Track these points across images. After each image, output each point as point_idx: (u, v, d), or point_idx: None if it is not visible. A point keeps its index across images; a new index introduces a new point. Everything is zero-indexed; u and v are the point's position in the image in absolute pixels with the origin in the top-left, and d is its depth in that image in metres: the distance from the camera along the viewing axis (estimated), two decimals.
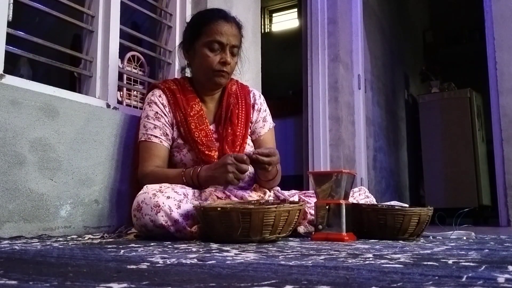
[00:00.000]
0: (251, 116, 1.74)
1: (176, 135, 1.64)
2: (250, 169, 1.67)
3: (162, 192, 1.36)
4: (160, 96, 1.65)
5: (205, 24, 1.60)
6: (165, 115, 1.63)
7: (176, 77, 2.15)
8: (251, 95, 1.78)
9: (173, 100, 1.64)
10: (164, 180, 1.48)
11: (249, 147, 1.70)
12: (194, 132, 1.60)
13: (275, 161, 1.48)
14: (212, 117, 1.70)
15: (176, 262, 0.79)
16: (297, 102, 3.67)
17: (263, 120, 1.77)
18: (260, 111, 1.77)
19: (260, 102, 1.79)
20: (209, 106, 1.71)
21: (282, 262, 0.79)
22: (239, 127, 1.67)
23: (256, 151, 1.46)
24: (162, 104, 1.63)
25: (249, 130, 1.73)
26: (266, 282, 0.58)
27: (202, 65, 1.61)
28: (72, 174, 1.56)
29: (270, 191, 1.68)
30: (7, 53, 1.48)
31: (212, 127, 1.67)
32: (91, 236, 1.44)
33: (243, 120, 1.69)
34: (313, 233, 1.40)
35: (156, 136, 1.60)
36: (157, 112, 1.62)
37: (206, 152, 1.58)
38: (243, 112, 1.70)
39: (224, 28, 1.59)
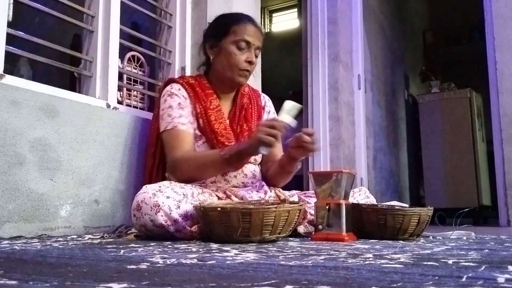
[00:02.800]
0: (262, 117, 1.81)
1: (194, 127, 1.65)
2: (255, 167, 1.69)
3: (162, 192, 1.36)
4: (179, 89, 1.67)
5: (235, 23, 1.65)
6: (187, 106, 1.65)
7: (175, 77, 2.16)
8: (261, 97, 1.87)
9: (193, 93, 1.66)
10: (198, 160, 1.53)
11: None
12: (214, 124, 1.63)
13: (312, 147, 1.51)
14: (227, 115, 1.72)
15: (176, 262, 0.79)
16: (297, 102, 3.67)
17: None
18: (269, 113, 1.86)
19: (269, 105, 1.89)
20: (223, 104, 1.73)
21: (282, 262, 0.79)
22: (253, 125, 1.73)
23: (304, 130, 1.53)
24: (183, 96, 1.66)
25: None
26: (266, 282, 0.58)
27: (229, 62, 1.65)
28: (72, 174, 1.56)
29: (270, 191, 1.69)
30: (7, 53, 1.48)
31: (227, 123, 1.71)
32: (91, 236, 1.44)
33: (255, 120, 1.76)
34: (313, 233, 1.40)
35: (183, 124, 1.61)
36: (180, 103, 1.64)
37: (226, 143, 1.61)
38: (256, 112, 1.78)
39: (252, 30, 1.66)
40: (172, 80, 1.74)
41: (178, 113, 1.62)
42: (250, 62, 1.64)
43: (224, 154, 1.49)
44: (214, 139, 1.61)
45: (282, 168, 1.66)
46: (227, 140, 1.62)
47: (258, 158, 1.74)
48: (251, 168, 1.68)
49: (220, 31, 1.67)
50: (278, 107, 1.94)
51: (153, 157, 1.69)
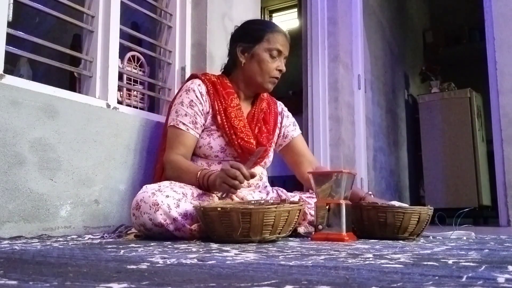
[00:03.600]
0: (278, 123, 1.85)
1: (210, 123, 1.66)
2: (263, 170, 1.71)
3: (161, 191, 1.36)
4: (199, 85, 1.69)
5: (269, 32, 1.70)
6: (200, 103, 1.66)
7: (175, 77, 2.17)
8: (278, 104, 1.91)
9: (213, 90, 1.68)
10: (180, 172, 1.53)
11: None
12: (233, 120, 1.64)
13: None
14: (245, 115, 1.73)
15: (176, 262, 0.79)
16: (297, 102, 3.67)
17: (293, 124, 1.90)
18: (288, 117, 1.91)
19: (286, 110, 1.93)
20: (243, 105, 1.74)
21: (282, 262, 0.79)
22: (271, 128, 1.78)
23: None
24: (200, 92, 1.67)
25: (275, 136, 1.83)
26: (266, 282, 0.58)
27: (261, 68, 1.68)
28: (72, 174, 1.56)
29: (273, 192, 1.72)
30: (7, 53, 1.48)
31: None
32: (91, 236, 1.44)
33: (272, 124, 1.79)
34: (313, 233, 1.40)
35: (183, 124, 1.63)
36: (192, 100, 1.65)
37: (245, 139, 1.63)
38: (273, 118, 1.81)
39: (283, 39, 1.71)
40: (194, 76, 1.77)
41: (185, 111, 1.64)
42: (280, 71, 1.70)
43: (199, 178, 1.48)
44: (233, 135, 1.63)
45: None
46: (246, 136, 1.64)
47: (268, 161, 1.77)
48: (259, 170, 1.69)
49: (254, 37, 1.70)
50: None
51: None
